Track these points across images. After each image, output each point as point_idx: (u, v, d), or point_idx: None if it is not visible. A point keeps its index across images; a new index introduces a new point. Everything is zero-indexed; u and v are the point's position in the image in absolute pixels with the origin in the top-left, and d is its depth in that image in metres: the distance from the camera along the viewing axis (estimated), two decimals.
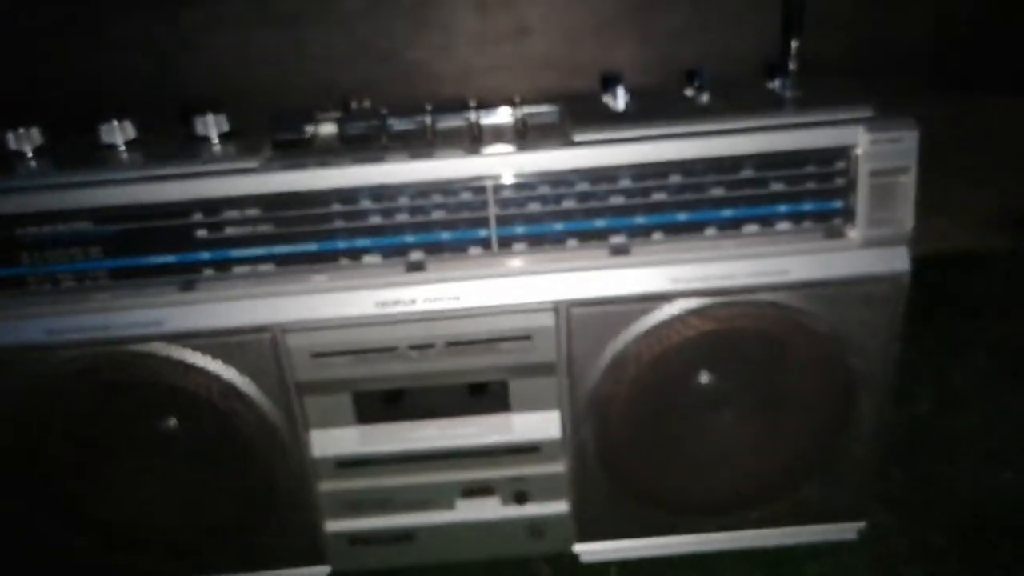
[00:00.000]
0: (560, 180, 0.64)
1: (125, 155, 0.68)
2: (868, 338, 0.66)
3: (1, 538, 0.71)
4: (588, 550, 0.75)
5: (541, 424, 0.70)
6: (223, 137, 0.69)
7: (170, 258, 0.65)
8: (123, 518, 0.71)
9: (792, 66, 0.72)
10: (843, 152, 0.63)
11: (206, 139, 0.69)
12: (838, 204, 0.65)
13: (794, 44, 0.73)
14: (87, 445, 0.68)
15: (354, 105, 0.74)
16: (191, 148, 0.68)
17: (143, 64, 1.10)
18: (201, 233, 0.64)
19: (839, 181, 0.64)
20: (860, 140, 0.63)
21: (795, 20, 0.73)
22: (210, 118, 0.69)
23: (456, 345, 0.66)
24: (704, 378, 0.68)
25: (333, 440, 0.70)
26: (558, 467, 0.72)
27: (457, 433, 0.71)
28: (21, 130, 0.69)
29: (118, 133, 0.69)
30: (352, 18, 1.08)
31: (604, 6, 1.08)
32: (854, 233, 0.65)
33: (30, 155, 0.68)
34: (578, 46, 1.11)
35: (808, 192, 0.65)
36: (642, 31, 1.10)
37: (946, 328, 1.06)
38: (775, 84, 0.71)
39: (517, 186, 0.64)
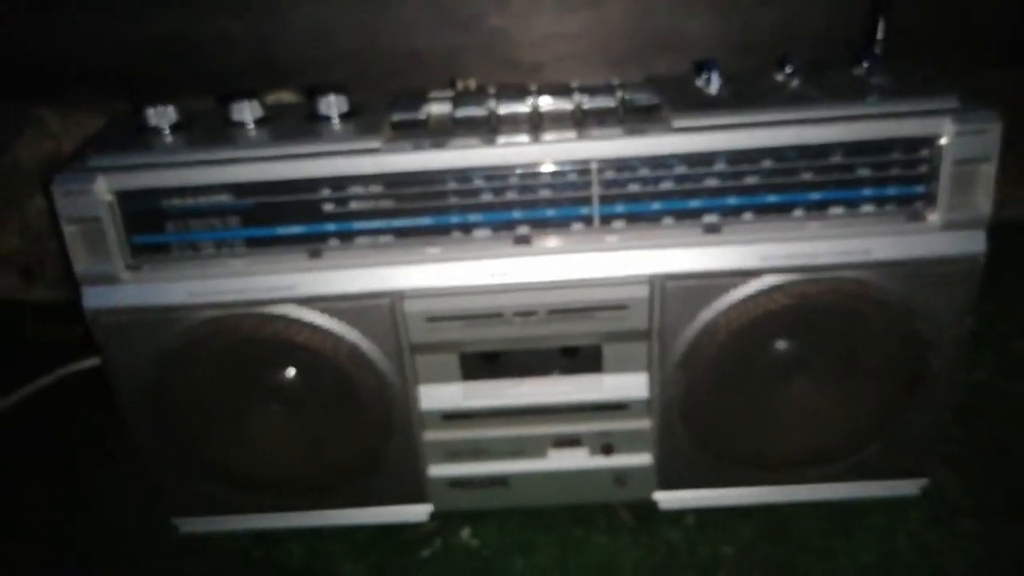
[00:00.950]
0: (659, 163, 0.69)
1: (254, 133, 0.74)
2: (942, 313, 0.71)
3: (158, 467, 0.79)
4: (667, 498, 0.82)
5: (630, 384, 0.76)
6: (343, 117, 0.74)
7: (300, 229, 0.72)
8: (255, 461, 0.79)
9: (877, 50, 0.75)
10: (928, 141, 0.67)
11: (328, 118, 0.74)
12: (921, 189, 0.69)
13: (880, 25, 0.76)
14: (225, 397, 0.76)
15: (459, 85, 0.80)
16: (315, 127, 0.73)
17: (230, 31, 1.15)
18: (328, 207, 0.71)
19: (923, 168, 0.68)
20: (945, 131, 0.66)
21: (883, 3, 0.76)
22: (332, 99, 0.74)
23: (557, 312, 0.72)
24: (785, 346, 0.73)
25: (440, 395, 0.77)
26: (644, 423, 0.78)
27: (552, 391, 0.78)
28: (160, 107, 0.75)
29: (248, 111, 0.75)
30: None
31: None
32: (934, 217, 0.69)
33: (167, 132, 0.74)
34: (654, 15, 1.14)
35: (892, 178, 0.69)
36: (719, 1, 1.12)
37: (1010, 295, 1.09)
38: (862, 70, 0.74)
39: (619, 168, 0.69)
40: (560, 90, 0.73)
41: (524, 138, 0.69)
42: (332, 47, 1.15)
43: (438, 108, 0.74)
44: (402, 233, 0.71)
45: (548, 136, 0.69)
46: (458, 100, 0.73)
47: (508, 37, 1.15)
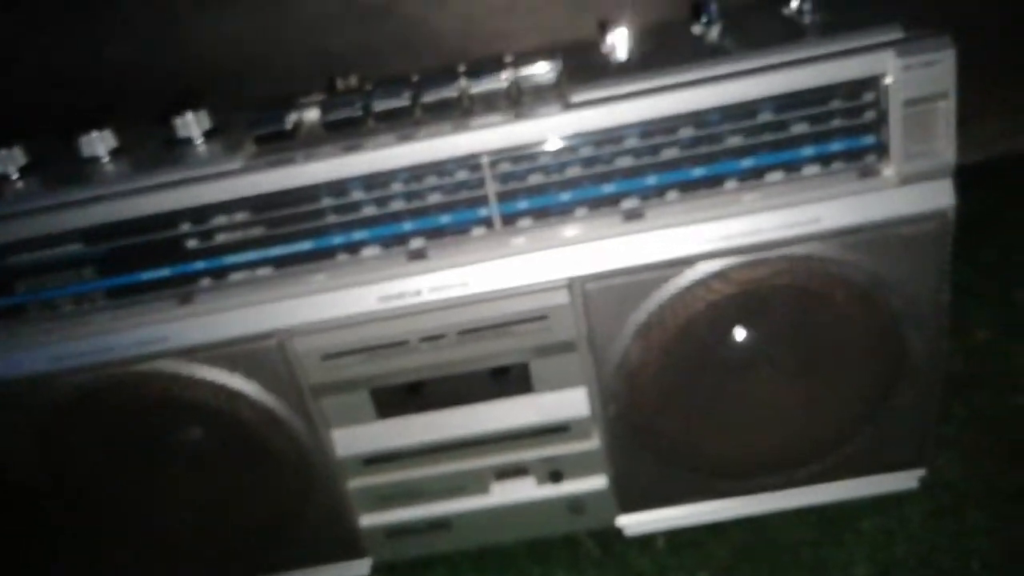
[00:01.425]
0: (561, 147, 0.59)
1: (109, 167, 0.65)
2: (914, 282, 0.61)
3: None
4: (632, 522, 0.73)
5: (568, 402, 0.67)
6: (207, 135, 0.65)
7: (164, 271, 0.63)
8: (159, 531, 0.70)
9: None
10: (871, 82, 0.57)
11: (189, 140, 0.65)
12: (870, 140, 0.59)
13: None
14: (109, 468, 0.67)
15: (339, 83, 0.70)
16: (174, 152, 0.64)
17: (124, 50, 1.06)
18: (192, 243, 0.62)
19: (869, 115, 0.58)
20: (890, 67, 0.56)
21: None
22: (190, 117, 0.65)
23: (469, 333, 0.63)
24: (738, 338, 0.64)
25: (356, 438, 0.69)
26: (591, 443, 0.69)
27: (482, 419, 0.68)
28: (4, 151, 0.66)
29: (99, 144, 0.66)
30: None
31: None
32: (890, 170, 0.59)
33: (15, 176, 0.66)
34: None
35: (835, 131, 0.59)
36: None
37: (1009, 239, 0.97)
38: (792, 8, 0.64)
39: (515, 158, 0.59)
40: (444, 77, 0.63)
41: (401, 137, 0.59)
42: (234, 56, 1.06)
43: (309, 114, 0.65)
44: (281, 262, 0.62)
45: (427, 131, 0.59)
46: (329, 103, 0.63)
47: (426, 27, 1.05)
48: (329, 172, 0.59)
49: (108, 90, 1.01)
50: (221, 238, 0.61)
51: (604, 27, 0.65)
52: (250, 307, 0.63)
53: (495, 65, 0.63)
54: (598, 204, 0.60)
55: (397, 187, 0.60)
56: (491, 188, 0.60)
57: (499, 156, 0.59)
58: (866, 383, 0.66)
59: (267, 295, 0.63)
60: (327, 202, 0.60)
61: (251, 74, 1.02)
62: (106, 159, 0.66)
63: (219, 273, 0.62)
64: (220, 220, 0.61)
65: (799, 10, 0.63)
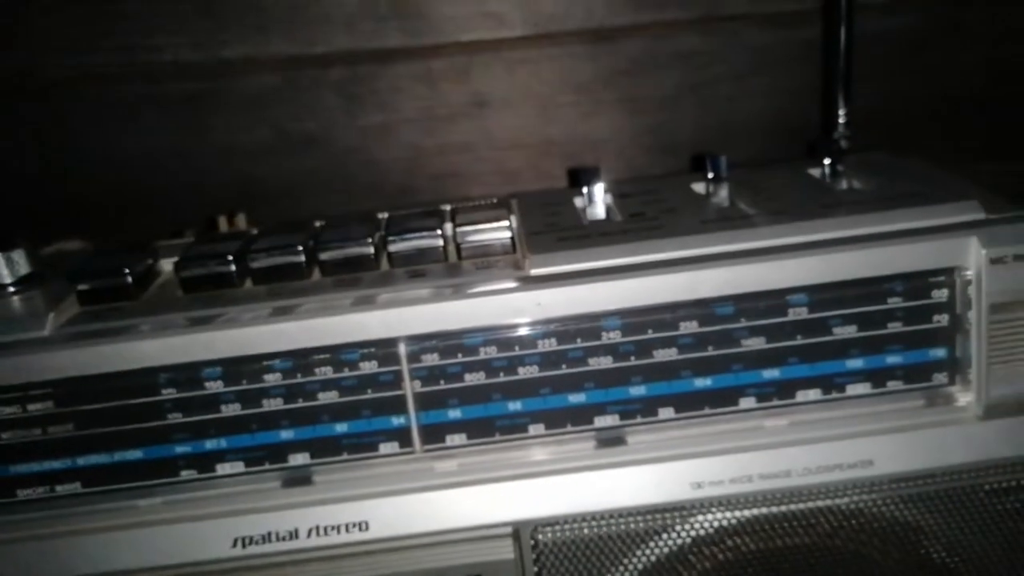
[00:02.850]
0: (512, 336, 0.41)
1: None
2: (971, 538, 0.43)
3: None
4: None
5: None
6: (20, 285, 0.47)
7: None
8: None
9: (843, 144, 0.51)
10: (944, 276, 0.41)
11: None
12: (939, 353, 0.43)
13: (842, 114, 0.52)
14: None
15: (223, 224, 0.52)
16: None
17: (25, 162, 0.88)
18: None
19: (939, 319, 0.43)
20: (971, 258, 0.41)
21: (841, 80, 0.52)
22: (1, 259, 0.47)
23: None
24: None
25: None
26: None
27: None
28: None
29: None
30: (265, 97, 0.87)
31: (578, 69, 0.87)
32: (967, 397, 0.43)
33: None
34: (549, 118, 0.90)
35: (893, 337, 0.43)
36: (626, 97, 0.88)
37: None
38: (820, 171, 0.49)
39: (445, 348, 0.42)
40: (359, 226, 0.46)
41: (277, 310, 0.41)
42: (143, 181, 0.88)
43: (166, 265, 0.47)
44: (92, 478, 0.42)
45: (320, 302, 0.41)
46: (192, 252, 0.45)
47: (366, 156, 0.90)
48: (172, 352, 0.41)
49: None
50: (5, 437, 0.42)
51: (579, 176, 0.49)
52: (36, 543, 0.42)
53: (431, 216, 0.46)
54: (562, 420, 0.44)
55: (272, 379, 0.42)
56: (409, 389, 0.42)
57: (423, 344, 0.42)
58: None
59: (66, 528, 0.43)
60: (168, 394, 0.41)
61: (149, 200, 0.85)
62: None
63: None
64: (8, 411, 0.41)
65: (831, 172, 0.48)
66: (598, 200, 0.48)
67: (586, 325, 0.42)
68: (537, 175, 0.88)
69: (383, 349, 0.42)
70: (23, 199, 0.82)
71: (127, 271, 0.45)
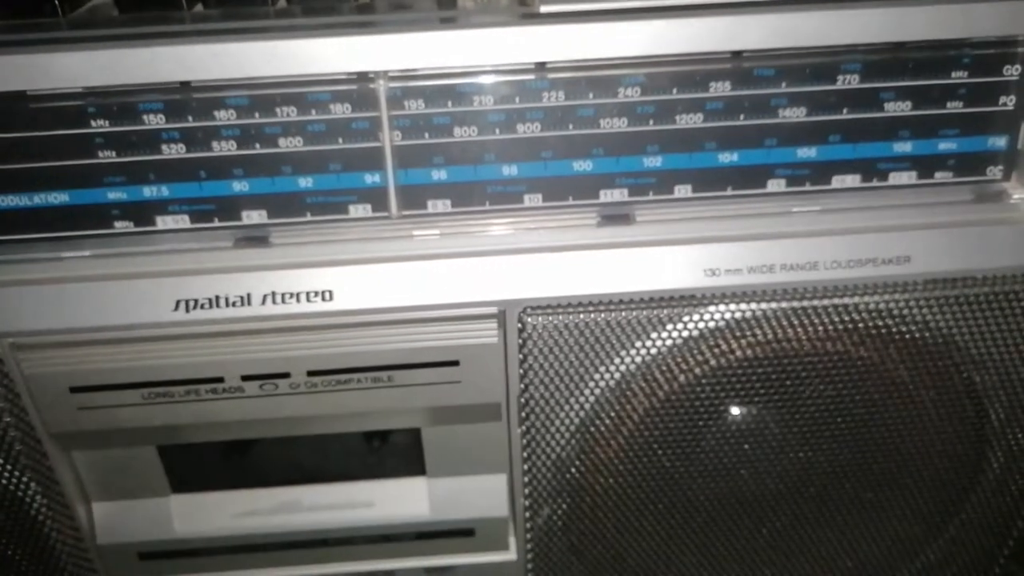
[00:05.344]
0: (511, 82, 0.35)
1: None
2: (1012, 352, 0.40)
3: None
4: None
5: (477, 494, 0.44)
6: None
7: None
8: None
9: None
10: (1014, 50, 0.35)
11: None
12: (999, 142, 0.38)
13: None
14: None
15: None
16: None
17: None
18: None
19: (1006, 100, 0.37)
20: None
21: None
22: None
23: (327, 375, 0.38)
24: (745, 420, 0.41)
25: (130, 520, 0.44)
26: (505, 555, 0.47)
27: (340, 507, 0.45)
28: None
29: None
30: None
31: None
32: (1021, 194, 0.37)
33: None
34: None
35: (949, 119, 0.37)
36: None
37: None
38: None
39: (431, 91, 0.35)
40: None
41: (236, 30, 0.35)
42: None
43: None
44: (10, 224, 0.36)
45: (285, 25, 0.35)
46: None
47: None
48: (102, 71, 0.35)
49: None
50: None
51: None
52: None
53: None
54: (563, 191, 0.39)
55: (224, 117, 0.35)
56: (388, 140, 0.36)
57: (405, 84, 0.35)
58: (928, 497, 0.46)
59: None
60: (98, 126, 0.35)
61: None
62: None
63: None
64: None
65: None
66: None
67: (601, 75, 0.36)
68: None
69: (359, 87, 0.35)
70: None
71: None
